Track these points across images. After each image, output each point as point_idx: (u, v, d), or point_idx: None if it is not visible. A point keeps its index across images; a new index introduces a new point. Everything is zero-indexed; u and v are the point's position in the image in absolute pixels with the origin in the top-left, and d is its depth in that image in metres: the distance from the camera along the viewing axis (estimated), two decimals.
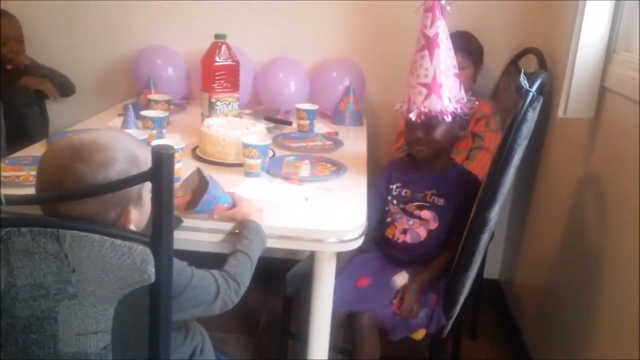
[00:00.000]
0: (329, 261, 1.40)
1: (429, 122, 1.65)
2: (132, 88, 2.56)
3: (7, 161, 1.60)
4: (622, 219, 1.54)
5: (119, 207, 1.02)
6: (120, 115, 2.21)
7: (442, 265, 1.73)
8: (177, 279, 1.03)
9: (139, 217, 1.06)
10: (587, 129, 1.79)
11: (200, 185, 1.34)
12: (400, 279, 1.70)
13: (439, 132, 1.67)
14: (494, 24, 2.38)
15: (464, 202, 1.68)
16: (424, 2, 1.65)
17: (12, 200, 0.90)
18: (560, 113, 1.71)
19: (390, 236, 1.79)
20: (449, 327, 1.70)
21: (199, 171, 1.37)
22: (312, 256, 1.83)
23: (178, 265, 1.05)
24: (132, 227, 1.04)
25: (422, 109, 1.64)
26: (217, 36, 1.91)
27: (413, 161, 1.80)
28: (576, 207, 1.87)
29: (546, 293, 2.08)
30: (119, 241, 0.94)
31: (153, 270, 0.96)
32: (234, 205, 1.33)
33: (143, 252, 0.95)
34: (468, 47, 2.25)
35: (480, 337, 2.43)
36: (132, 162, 1.01)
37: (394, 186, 1.79)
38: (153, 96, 2.12)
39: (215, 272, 1.19)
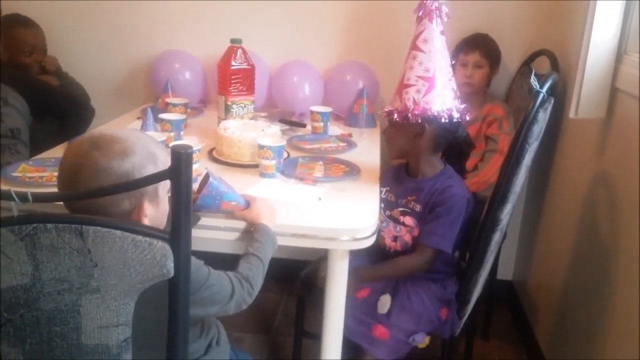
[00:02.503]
0: (342, 259, 1.43)
1: (390, 120, 1.67)
2: (151, 92, 2.62)
3: (30, 162, 1.65)
4: (635, 218, 1.55)
5: (133, 199, 1.06)
6: (138, 118, 2.26)
7: (396, 272, 1.69)
8: (194, 276, 1.07)
9: (154, 213, 1.10)
10: (599, 129, 1.80)
11: (203, 184, 1.36)
12: (382, 303, 1.64)
13: (393, 132, 1.69)
14: (505, 26, 2.40)
15: (430, 208, 1.66)
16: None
17: (38, 198, 0.94)
18: (571, 114, 1.72)
19: (382, 246, 1.75)
20: (461, 326, 1.72)
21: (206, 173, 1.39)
22: (324, 256, 1.89)
23: (195, 263, 1.08)
24: (146, 221, 1.08)
25: (386, 107, 1.69)
26: (233, 41, 1.95)
27: (404, 166, 1.80)
28: (589, 207, 1.87)
29: (560, 294, 2.08)
30: (139, 237, 0.97)
31: (172, 265, 1.00)
32: (247, 206, 1.37)
33: (162, 248, 0.99)
34: (486, 47, 2.28)
35: (493, 338, 2.44)
36: (148, 158, 1.05)
37: (384, 189, 1.78)
38: (171, 99, 2.17)
39: (230, 273, 1.23)
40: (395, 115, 1.62)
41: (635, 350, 1.47)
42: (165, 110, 2.11)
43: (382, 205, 1.72)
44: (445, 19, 1.62)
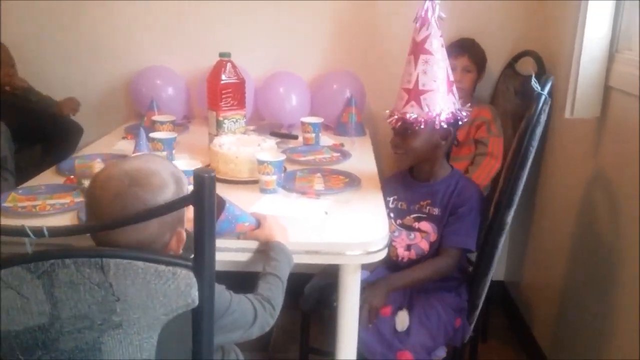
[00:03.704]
0: (354, 273, 1.40)
1: (407, 128, 1.63)
2: (132, 110, 2.56)
3: (20, 191, 1.58)
4: (632, 215, 1.56)
5: (173, 230, 1.05)
6: (124, 138, 2.20)
7: (425, 276, 1.66)
8: (217, 303, 1.03)
9: (184, 238, 1.08)
10: (593, 128, 1.82)
11: (217, 207, 1.33)
12: (400, 320, 1.61)
13: (416, 140, 1.64)
14: (488, 28, 2.41)
15: (451, 210, 1.67)
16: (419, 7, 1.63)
17: (56, 232, 0.89)
18: (567, 114, 1.73)
19: (394, 258, 1.73)
20: (470, 332, 1.71)
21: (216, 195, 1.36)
22: (327, 269, 1.85)
23: (217, 288, 1.05)
24: (181, 249, 1.06)
25: (401, 114, 1.63)
26: (222, 55, 1.91)
27: (408, 172, 1.78)
28: (586, 206, 1.89)
29: (558, 293, 2.09)
30: (162, 267, 0.93)
31: (197, 294, 0.96)
32: (258, 225, 1.33)
33: (187, 277, 0.95)
34: (474, 51, 2.29)
35: (490, 340, 2.44)
36: (178, 184, 1.04)
37: (391, 199, 1.76)
38: (157, 117, 2.11)
39: (250, 296, 1.19)
40: (423, 124, 1.59)
41: (637, 346, 1.48)
42: (152, 129, 2.05)
43: (392, 214, 1.70)
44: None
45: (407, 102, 1.61)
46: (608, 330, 1.68)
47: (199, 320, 0.99)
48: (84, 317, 0.93)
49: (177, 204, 0.95)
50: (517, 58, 2.37)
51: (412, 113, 1.60)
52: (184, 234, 1.07)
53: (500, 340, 2.45)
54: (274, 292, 1.23)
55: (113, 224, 0.94)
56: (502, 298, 2.65)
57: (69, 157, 2.35)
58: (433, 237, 1.70)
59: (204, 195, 0.92)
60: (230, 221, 1.27)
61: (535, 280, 2.37)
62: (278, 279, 1.25)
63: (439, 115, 1.59)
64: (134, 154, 1.54)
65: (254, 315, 1.16)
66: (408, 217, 1.73)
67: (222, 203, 1.26)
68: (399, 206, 1.75)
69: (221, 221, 1.26)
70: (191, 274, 0.95)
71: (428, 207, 1.71)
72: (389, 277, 1.62)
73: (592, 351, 1.77)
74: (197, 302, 0.97)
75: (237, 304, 1.13)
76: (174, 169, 1.06)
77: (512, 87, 2.30)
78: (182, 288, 0.95)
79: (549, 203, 2.24)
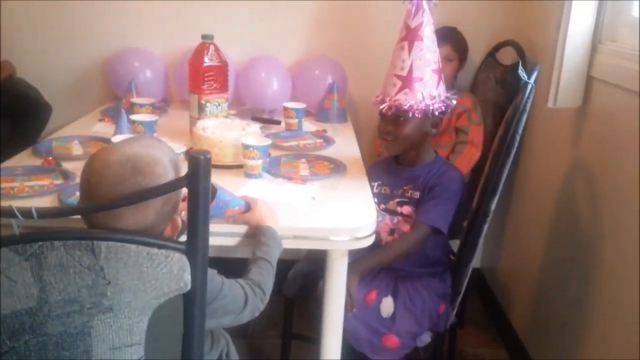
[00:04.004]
0: (341, 259, 1.39)
1: (399, 115, 1.62)
2: (108, 92, 2.50)
3: None
4: (611, 203, 1.59)
5: (169, 218, 1.02)
6: (100, 120, 2.15)
7: (393, 254, 1.64)
8: (208, 287, 1.01)
9: (179, 225, 1.06)
10: (573, 117, 1.84)
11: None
12: (385, 306, 1.62)
13: (407, 128, 1.63)
14: (469, 17, 2.42)
15: (428, 190, 1.67)
16: None
17: (45, 213, 0.86)
18: (550, 103, 1.75)
19: (377, 242, 1.67)
20: (452, 317, 1.72)
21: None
22: (310, 255, 1.85)
23: (209, 272, 1.03)
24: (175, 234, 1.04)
25: (394, 101, 1.61)
26: (204, 37, 1.87)
27: (393, 158, 1.79)
28: (564, 194, 1.92)
29: (534, 279, 2.13)
30: (155, 250, 0.91)
31: (189, 278, 0.94)
32: (248, 208, 1.31)
33: (180, 260, 0.93)
34: (456, 40, 2.29)
35: (467, 325, 2.47)
36: (176, 171, 1.02)
37: (375, 184, 1.76)
38: (137, 100, 2.07)
39: (241, 281, 1.18)
40: (417, 112, 1.58)
41: (618, 331, 1.51)
42: (130, 111, 2.01)
43: (376, 199, 1.70)
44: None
45: (400, 90, 1.59)
46: (586, 316, 1.71)
47: (191, 304, 0.97)
48: (73, 300, 0.90)
49: (171, 186, 0.92)
50: (497, 47, 2.39)
51: (406, 100, 1.58)
52: (179, 221, 1.05)
53: (477, 326, 2.48)
54: (265, 277, 1.21)
55: (104, 205, 0.91)
56: (478, 284, 2.68)
57: (38, 136, 2.30)
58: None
59: (199, 177, 0.90)
60: (220, 207, 1.25)
61: (512, 267, 2.41)
62: (269, 264, 1.23)
63: (433, 103, 1.58)
64: (131, 136, 1.48)
65: (245, 300, 1.15)
66: (391, 202, 1.73)
67: (213, 190, 1.24)
68: (383, 191, 1.75)
69: (212, 207, 1.23)
70: (184, 258, 0.93)
71: (410, 192, 1.71)
72: (355, 261, 1.58)
73: (569, 336, 1.81)
74: (189, 286, 0.95)
75: (228, 289, 1.11)
76: (172, 154, 1.03)
77: (493, 76, 2.31)
78: (175, 272, 0.93)
79: (527, 191, 2.27)
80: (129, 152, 0.97)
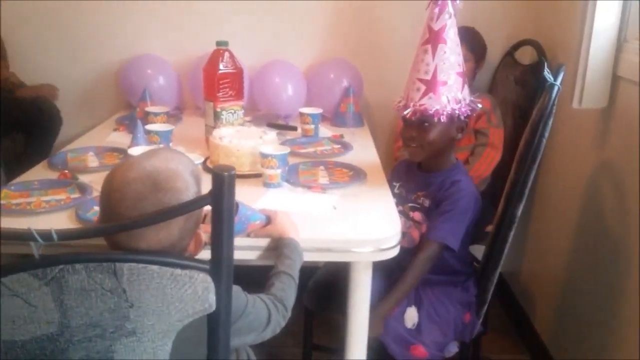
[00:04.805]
0: (365, 270, 1.35)
1: (424, 121, 1.57)
2: (121, 100, 2.48)
3: (12, 187, 1.50)
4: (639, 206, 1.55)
5: (192, 233, 1.00)
6: (115, 130, 2.13)
7: (410, 281, 1.58)
8: (233, 306, 0.98)
9: (202, 240, 1.04)
10: (599, 118, 1.79)
11: None
12: (409, 317, 1.57)
13: (433, 133, 1.58)
14: (487, 16, 2.37)
15: (438, 203, 1.62)
16: None
17: (65, 236, 0.83)
18: (575, 104, 1.70)
19: None
20: (478, 327, 1.68)
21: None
22: (329, 263, 1.81)
23: (234, 290, 1.00)
24: (200, 250, 1.03)
25: (418, 106, 1.56)
26: (219, 43, 1.84)
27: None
28: (590, 197, 1.87)
29: (559, 284, 2.08)
30: (179, 270, 0.88)
31: (214, 298, 0.91)
32: (269, 221, 1.28)
33: (204, 280, 0.90)
34: (471, 40, 2.24)
35: (490, 331, 2.42)
36: (197, 184, 0.98)
37: (397, 184, 1.74)
38: (151, 108, 2.04)
39: (263, 296, 1.15)
40: (443, 116, 1.54)
41: None
42: (145, 120, 1.98)
43: (395, 200, 1.66)
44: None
45: (425, 94, 1.54)
46: (613, 322, 1.67)
47: (216, 325, 0.94)
48: (95, 325, 0.87)
49: (194, 205, 0.89)
50: (516, 47, 2.34)
51: (431, 105, 1.54)
52: (203, 236, 1.02)
53: (499, 332, 2.43)
54: (287, 292, 1.18)
55: (126, 225, 0.88)
56: (500, 289, 2.63)
57: (50, 147, 2.28)
58: (424, 228, 1.65)
59: (223, 194, 0.86)
60: (242, 222, 1.23)
61: (535, 270, 2.36)
62: (292, 279, 1.20)
63: (459, 106, 1.54)
64: (149, 149, 1.45)
65: (268, 317, 1.12)
66: (406, 205, 1.69)
67: (235, 205, 1.21)
68: (401, 193, 1.72)
69: (240, 220, 1.21)
70: (208, 278, 0.90)
71: (422, 198, 1.67)
72: (379, 306, 1.52)
73: (596, 342, 1.76)
74: (214, 307, 0.91)
75: (252, 306, 1.08)
76: (193, 166, 1.00)
77: (512, 76, 2.26)
78: (200, 292, 0.89)
79: (550, 193, 2.22)
80: (148, 168, 0.93)
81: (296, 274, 1.22)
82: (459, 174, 1.66)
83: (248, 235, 1.27)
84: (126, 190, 0.91)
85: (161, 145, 1.71)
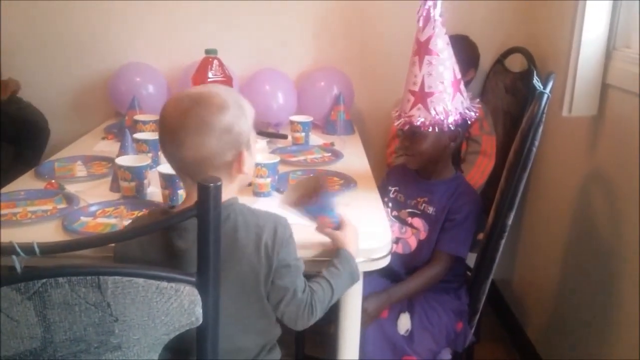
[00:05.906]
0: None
1: (415, 131, 1.59)
2: (109, 108, 2.46)
3: None
4: (631, 214, 1.54)
5: (234, 149, 1.08)
6: (103, 138, 2.11)
7: (422, 285, 1.61)
8: (279, 232, 1.10)
9: (250, 161, 1.13)
10: (589, 126, 1.79)
11: (314, 190, 1.27)
12: (402, 324, 1.58)
13: (424, 143, 1.60)
14: (477, 24, 2.38)
15: (448, 215, 1.63)
16: (420, 5, 1.59)
17: (48, 249, 0.81)
18: (564, 112, 1.70)
19: None
20: (471, 336, 1.67)
21: (318, 178, 1.37)
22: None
23: (282, 222, 1.12)
24: (246, 170, 1.12)
25: (408, 117, 1.58)
26: (207, 51, 1.82)
27: None
28: (581, 204, 1.87)
29: (552, 291, 2.07)
30: (164, 283, 0.87)
31: (201, 312, 0.90)
32: (339, 226, 1.27)
33: (190, 293, 0.88)
34: (460, 49, 2.23)
35: (483, 339, 2.41)
36: (239, 110, 1.09)
37: (392, 189, 1.74)
38: (140, 117, 2.02)
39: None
40: (430, 128, 1.55)
41: (637, 344, 1.46)
42: (134, 129, 1.96)
43: (390, 205, 1.67)
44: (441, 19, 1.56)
45: (414, 105, 1.56)
46: (606, 329, 1.66)
47: (204, 339, 0.93)
48: (79, 340, 0.86)
49: (178, 218, 0.87)
50: (506, 54, 2.34)
51: (419, 116, 1.55)
52: (248, 158, 1.11)
53: (493, 339, 2.42)
54: (321, 296, 1.17)
55: (125, 235, 0.87)
56: (492, 297, 2.63)
57: (39, 159, 2.25)
58: (423, 235, 1.66)
59: (209, 206, 0.85)
60: (319, 211, 1.24)
61: (527, 278, 2.35)
62: (330, 288, 1.18)
63: (446, 117, 1.54)
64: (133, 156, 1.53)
65: (303, 289, 1.14)
66: (403, 211, 1.70)
67: (324, 187, 1.26)
68: (398, 198, 1.72)
69: (318, 204, 1.23)
70: (195, 291, 0.89)
71: (424, 205, 1.67)
72: (389, 290, 1.56)
73: (588, 350, 1.75)
74: (201, 320, 0.90)
75: (296, 258, 1.14)
76: (238, 97, 1.12)
77: (502, 83, 2.27)
78: (186, 305, 0.88)
79: (541, 201, 2.22)
80: (193, 91, 1.11)
81: (337, 286, 1.20)
82: (462, 184, 1.69)
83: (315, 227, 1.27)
84: (173, 107, 1.08)
85: None
